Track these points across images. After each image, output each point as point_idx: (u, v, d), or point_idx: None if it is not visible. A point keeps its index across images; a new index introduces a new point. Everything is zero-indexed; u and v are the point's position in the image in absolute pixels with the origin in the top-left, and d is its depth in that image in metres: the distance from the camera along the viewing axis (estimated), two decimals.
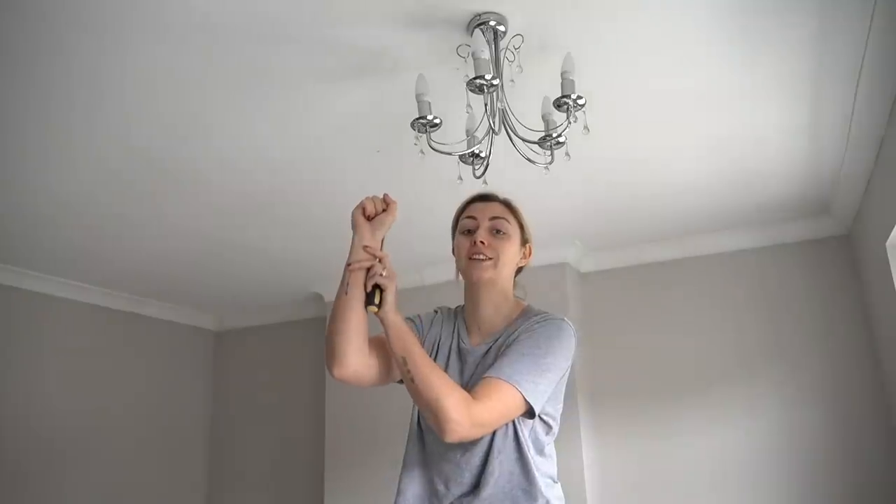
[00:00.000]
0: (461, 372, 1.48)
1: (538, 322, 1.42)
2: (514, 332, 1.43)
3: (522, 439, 1.39)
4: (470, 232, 1.50)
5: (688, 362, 3.54)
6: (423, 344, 1.56)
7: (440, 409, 1.26)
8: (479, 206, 1.54)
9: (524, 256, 1.56)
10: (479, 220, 1.51)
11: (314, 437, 4.22)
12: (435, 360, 1.51)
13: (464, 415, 1.26)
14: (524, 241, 1.55)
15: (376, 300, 1.33)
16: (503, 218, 1.51)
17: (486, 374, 1.33)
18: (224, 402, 4.73)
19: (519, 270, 1.57)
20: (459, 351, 1.50)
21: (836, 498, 3.17)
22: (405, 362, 1.31)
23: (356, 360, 1.37)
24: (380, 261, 1.35)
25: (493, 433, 1.38)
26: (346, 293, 1.35)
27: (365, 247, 1.35)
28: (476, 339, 1.51)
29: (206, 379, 4.76)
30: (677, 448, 3.46)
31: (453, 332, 1.55)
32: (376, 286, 1.33)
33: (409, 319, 1.54)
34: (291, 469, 4.40)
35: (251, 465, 4.53)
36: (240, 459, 4.58)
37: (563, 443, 1.30)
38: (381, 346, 1.44)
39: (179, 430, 4.48)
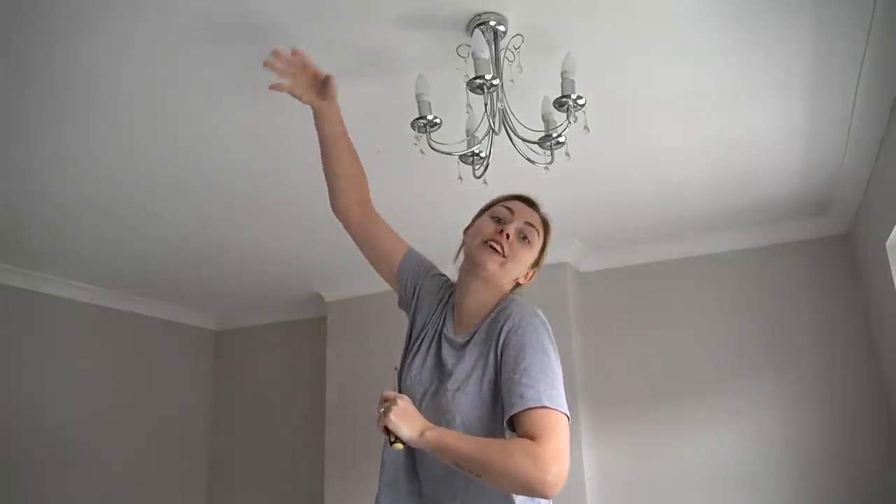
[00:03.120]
0: (440, 358, 1.44)
1: (517, 328, 1.35)
2: (493, 334, 1.37)
3: None
4: (501, 221, 1.46)
5: (687, 362, 3.54)
6: (415, 294, 1.57)
7: (520, 483, 1.20)
8: (522, 205, 1.50)
9: (527, 276, 1.51)
10: (515, 217, 1.46)
11: (314, 437, 4.22)
12: (420, 345, 1.49)
13: (540, 467, 1.18)
14: (536, 262, 1.51)
15: (392, 438, 1.29)
16: (536, 229, 1.48)
17: (514, 412, 1.26)
18: (224, 402, 4.73)
19: (515, 287, 1.51)
20: (443, 339, 1.47)
21: (835, 498, 3.17)
22: (460, 466, 1.24)
23: (340, 204, 1.60)
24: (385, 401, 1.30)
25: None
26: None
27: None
28: (458, 330, 1.47)
29: (206, 379, 4.76)
30: (677, 448, 3.47)
31: (442, 317, 1.51)
32: (385, 428, 1.29)
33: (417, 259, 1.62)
34: (291, 469, 4.40)
35: (251, 465, 4.53)
36: (240, 459, 4.57)
37: None
38: (378, 231, 1.61)
39: (179, 430, 4.48)
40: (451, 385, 1.37)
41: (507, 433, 1.31)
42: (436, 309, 1.54)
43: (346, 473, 3.87)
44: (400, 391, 1.43)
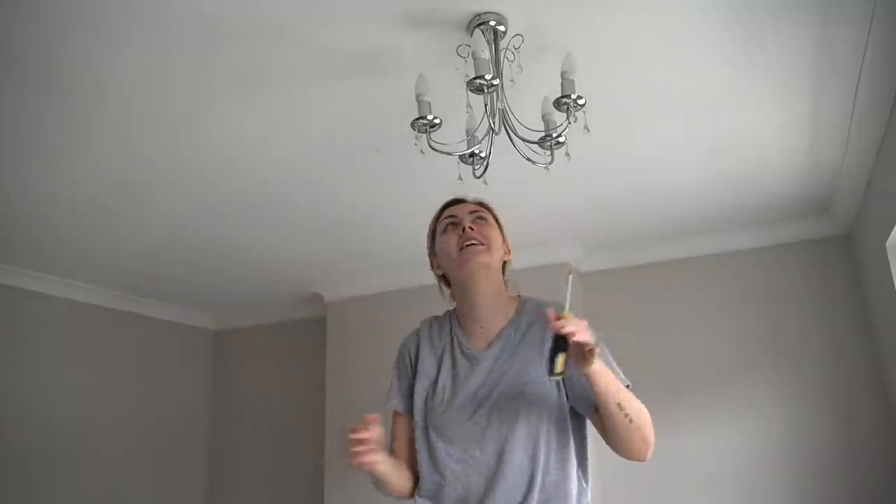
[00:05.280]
0: (470, 378, 1.44)
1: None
2: (535, 337, 1.42)
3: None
4: (455, 226, 1.50)
5: (688, 362, 3.54)
6: (415, 368, 1.52)
7: (644, 439, 1.31)
8: (455, 207, 1.57)
9: (507, 252, 1.57)
10: (460, 216, 1.52)
11: (314, 437, 4.22)
12: (438, 374, 1.49)
13: (653, 431, 1.35)
14: (503, 238, 1.57)
15: (558, 368, 1.16)
16: (480, 211, 1.55)
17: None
18: (224, 402, 4.73)
19: (504, 267, 1.57)
20: (466, 357, 1.47)
21: (836, 498, 3.17)
22: (621, 407, 1.30)
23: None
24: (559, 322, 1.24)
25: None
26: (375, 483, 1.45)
27: None
28: (481, 343, 1.47)
29: (206, 379, 4.76)
30: (677, 448, 3.46)
31: (451, 340, 1.51)
32: (558, 347, 1.17)
33: (395, 369, 1.56)
34: (291, 469, 4.40)
35: (251, 465, 4.53)
36: (240, 459, 4.57)
37: None
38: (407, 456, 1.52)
39: (179, 430, 4.48)
40: (502, 389, 1.39)
41: (570, 420, 1.38)
42: (436, 350, 1.53)
43: (347, 473, 3.87)
44: (431, 416, 1.44)
